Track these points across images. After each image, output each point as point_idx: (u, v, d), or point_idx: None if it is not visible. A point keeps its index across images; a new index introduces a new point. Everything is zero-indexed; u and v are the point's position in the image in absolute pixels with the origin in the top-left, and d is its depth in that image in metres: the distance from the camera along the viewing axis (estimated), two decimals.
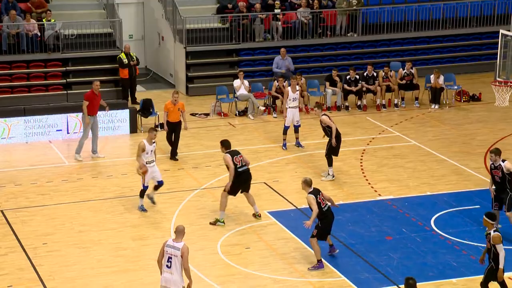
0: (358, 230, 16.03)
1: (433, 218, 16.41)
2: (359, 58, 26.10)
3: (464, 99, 24.46)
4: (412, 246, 15.35)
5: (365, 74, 24.01)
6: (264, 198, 17.56)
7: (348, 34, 26.36)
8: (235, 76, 24.04)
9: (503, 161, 15.38)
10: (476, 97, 24.50)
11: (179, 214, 16.86)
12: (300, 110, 23.59)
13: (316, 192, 14.52)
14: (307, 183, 14.58)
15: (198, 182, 18.52)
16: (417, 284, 11.63)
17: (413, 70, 24.21)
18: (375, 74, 24.04)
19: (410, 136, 21.43)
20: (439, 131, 22.00)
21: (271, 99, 23.66)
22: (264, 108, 23.54)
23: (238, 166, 15.90)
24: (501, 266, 12.72)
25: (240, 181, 16.01)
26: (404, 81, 23.98)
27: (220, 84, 24.31)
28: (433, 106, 23.93)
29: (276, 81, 23.52)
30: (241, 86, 23.30)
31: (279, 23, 25.79)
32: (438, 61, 26.91)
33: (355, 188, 18.11)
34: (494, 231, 12.81)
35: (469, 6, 27.03)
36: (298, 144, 20.58)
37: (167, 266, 12.21)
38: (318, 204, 14.37)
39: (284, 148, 20.41)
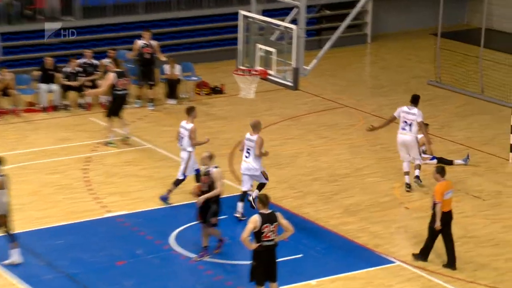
0: (82, 256, 15.81)
1: (172, 234, 16.53)
2: (79, 46, 25.41)
3: (205, 92, 24.90)
4: (149, 270, 15.39)
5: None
6: None
7: (64, 18, 25.75)
8: None
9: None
10: (218, 89, 25.06)
11: None
12: (7, 113, 22.78)
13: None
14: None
15: None
16: None
17: (154, 42, 23.81)
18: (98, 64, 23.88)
19: (144, 138, 21.57)
20: (177, 130, 21.88)
21: None
22: None
23: (118, 88, 20.27)
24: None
25: (119, 103, 20.54)
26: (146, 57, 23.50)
27: None
28: (169, 101, 24.07)
29: None
30: None
31: None
32: (173, 48, 27.14)
33: (78, 205, 17.92)
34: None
35: None
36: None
37: (245, 156, 16.71)
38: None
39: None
